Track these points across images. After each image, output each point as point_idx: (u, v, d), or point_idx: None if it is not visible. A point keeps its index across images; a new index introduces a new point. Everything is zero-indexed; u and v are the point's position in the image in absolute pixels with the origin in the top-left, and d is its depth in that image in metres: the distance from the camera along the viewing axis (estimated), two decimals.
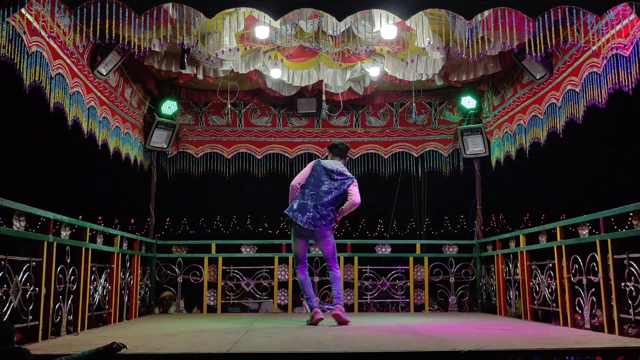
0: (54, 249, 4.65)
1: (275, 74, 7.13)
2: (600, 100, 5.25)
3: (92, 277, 5.50)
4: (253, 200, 11.03)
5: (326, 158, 6.11)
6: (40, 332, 4.44)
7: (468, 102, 8.05)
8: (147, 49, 5.70)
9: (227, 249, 7.88)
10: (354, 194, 5.70)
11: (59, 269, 4.80)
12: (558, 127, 6.14)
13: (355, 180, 5.81)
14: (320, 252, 6.02)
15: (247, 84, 7.78)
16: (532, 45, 4.95)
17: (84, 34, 5.52)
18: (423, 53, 6.45)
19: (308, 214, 5.58)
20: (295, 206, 5.64)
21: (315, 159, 6.11)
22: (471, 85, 7.79)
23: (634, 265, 4.41)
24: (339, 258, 7.46)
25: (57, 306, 4.77)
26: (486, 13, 5.13)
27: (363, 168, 8.33)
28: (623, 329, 4.63)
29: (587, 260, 5.06)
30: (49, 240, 4.60)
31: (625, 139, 10.11)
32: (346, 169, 5.88)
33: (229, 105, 7.70)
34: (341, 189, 5.69)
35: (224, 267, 7.69)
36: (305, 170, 5.81)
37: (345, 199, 5.74)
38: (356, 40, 6.21)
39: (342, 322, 5.52)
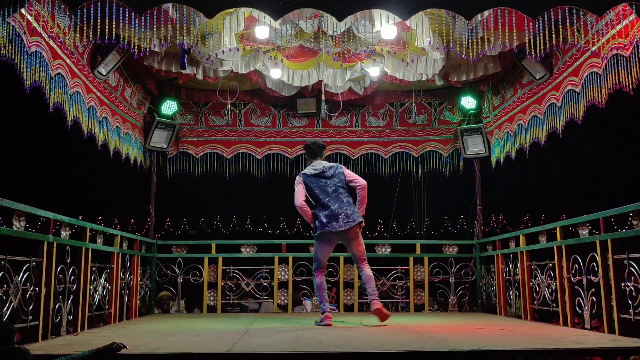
0: (54, 249, 4.65)
1: (275, 74, 7.12)
2: (600, 101, 5.25)
3: (92, 277, 5.50)
4: (253, 200, 11.04)
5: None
6: (40, 332, 4.44)
7: (468, 102, 8.05)
8: (147, 49, 5.69)
9: (227, 249, 7.87)
10: (355, 178, 5.75)
11: (59, 269, 4.80)
12: (558, 127, 6.14)
13: (341, 164, 5.87)
14: (349, 252, 5.94)
15: (247, 84, 7.78)
16: (532, 45, 4.95)
17: (84, 34, 5.51)
18: (423, 53, 6.45)
19: (340, 216, 5.55)
20: (324, 220, 5.57)
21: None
22: (471, 85, 7.78)
23: (634, 265, 4.41)
24: (338, 258, 7.52)
25: (57, 306, 4.77)
26: (486, 13, 5.13)
27: (363, 168, 8.33)
28: (623, 328, 4.62)
29: (587, 260, 5.06)
30: (49, 240, 4.60)
31: (625, 139, 10.11)
32: (326, 162, 5.87)
33: (229, 105, 7.70)
34: (341, 179, 5.70)
35: (224, 267, 7.69)
36: (299, 189, 5.70)
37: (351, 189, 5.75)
38: (356, 40, 6.21)
39: (384, 317, 5.51)
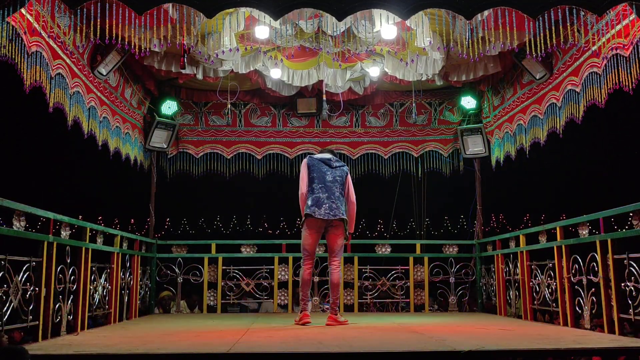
0: (54, 249, 4.64)
1: (275, 74, 7.12)
2: (600, 101, 5.25)
3: (92, 277, 5.50)
4: (253, 200, 11.06)
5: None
6: (40, 332, 4.44)
7: (468, 102, 8.05)
8: (147, 49, 5.69)
9: (227, 249, 7.87)
10: (351, 191, 5.75)
11: (59, 269, 4.80)
12: (558, 127, 6.14)
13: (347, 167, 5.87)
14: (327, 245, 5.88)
15: (247, 84, 7.79)
16: (532, 45, 4.95)
17: (84, 34, 5.52)
18: (423, 53, 6.45)
19: (324, 205, 5.53)
20: (310, 202, 5.57)
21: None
22: (471, 85, 7.78)
23: (634, 265, 4.41)
24: None
25: (57, 306, 4.77)
26: (486, 13, 5.13)
27: (363, 168, 8.33)
28: (623, 329, 4.62)
29: (587, 260, 5.06)
30: (49, 240, 4.59)
31: (625, 139, 10.12)
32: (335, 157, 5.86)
33: (229, 105, 7.70)
34: (343, 176, 5.67)
35: (224, 267, 7.69)
36: (304, 173, 5.71)
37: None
38: (356, 40, 6.21)
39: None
